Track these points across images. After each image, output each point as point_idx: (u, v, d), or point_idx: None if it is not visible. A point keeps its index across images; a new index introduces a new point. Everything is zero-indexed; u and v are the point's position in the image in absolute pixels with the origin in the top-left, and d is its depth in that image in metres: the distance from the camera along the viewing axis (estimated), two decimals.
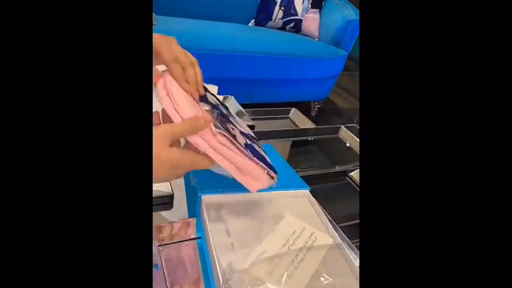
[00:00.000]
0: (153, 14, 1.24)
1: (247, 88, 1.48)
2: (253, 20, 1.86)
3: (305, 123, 0.88)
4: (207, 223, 0.40)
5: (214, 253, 0.37)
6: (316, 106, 1.81)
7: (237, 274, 0.33)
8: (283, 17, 1.74)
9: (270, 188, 0.48)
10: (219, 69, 1.32)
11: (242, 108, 0.83)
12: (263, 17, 1.78)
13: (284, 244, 0.40)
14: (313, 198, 0.49)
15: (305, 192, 0.50)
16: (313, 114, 1.81)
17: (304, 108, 0.94)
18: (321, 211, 0.46)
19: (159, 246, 0.39)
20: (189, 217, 0.47)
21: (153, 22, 1.23)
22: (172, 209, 0.49)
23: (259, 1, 1.76)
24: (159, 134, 0.32)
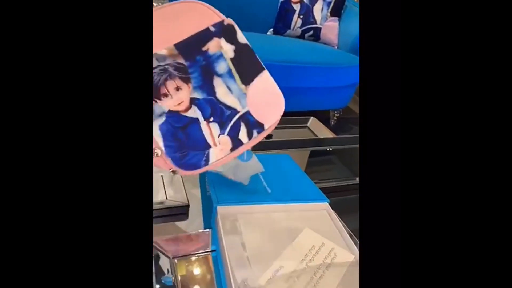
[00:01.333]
0: None
1: None
2: (271, 29, 1.86)
3: (324, 132, 0.86)
4: (222, 235, 0.39)
5: (229, 268, 0.35)
6: (335, 115, 1.78)
7: None
8: (302, 25, 1.73)
9: (288, 200, 0.46)
10: None
11: None
12: (281, 26, 1.78)
13: (302, 260, 0.38)
14: (333, 211, 0.47)
15: (325, 205, 0.48)
16: (332, 123, 1.77)
17: (323, 117, 0.92)
18: (341, 225, 0.44)
19: (173, 258, 0.38)
20: (205, 228, 0.46)
21: None
22: (187, 220, 0.48)
23: (277, 10, 1.76)
24: None
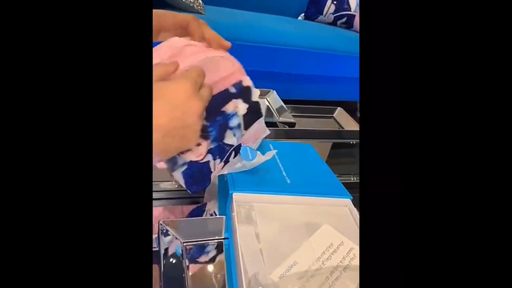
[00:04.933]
0: (202, 3, 1.24)
1: (292, 83, 1.43)
2: (302, 14, 1.79)
3: (350, 124, 0.82)
4: (236, 224, 0.38)
5: (241, 259, 0.34)
6: None
7: None
8: (335, 11, 1.65)
9: (307, 193, 0.44)
10: (263, 62, 1.29)
11: (283, 104, 0.79)
12: (313, 11, 1.71)
13: (318, 258, 0.35)
14: (355, 209, 0.44)
15: (347, 201, 0.45)
16: (359, 114, 1.71)
17: (351, 108, 0.87)
18: None
19: (184, 243, 0.37)
20: (219, 215, 0.44)
21: (202, 12, 1.23)
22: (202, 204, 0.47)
23: None
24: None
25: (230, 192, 0.41)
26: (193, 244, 0.38)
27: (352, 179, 0.65)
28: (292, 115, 0.77)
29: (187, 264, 0.36)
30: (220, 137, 0.40)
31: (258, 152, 0.43)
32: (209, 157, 0.40)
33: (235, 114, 0.40)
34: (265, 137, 0.53)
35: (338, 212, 0.43)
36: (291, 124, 0.73)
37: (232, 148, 0.42)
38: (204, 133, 0.38)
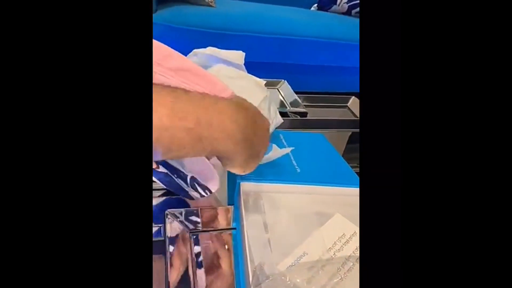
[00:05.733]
0: None
1: (305, 75, 1.40)
2: (315, 5, 1.75)
3: None
4: (244, 213, 0.36)
5: (248, 249, 0.32)
6: None
7: (270, 278, 0.29)
8: (349, 0, 1.60)
9: (318, 182, 0.42)
10: (277, 53, 1.27)
11: (295, 94, 0.77)
12: (327, 1, 1.67)
13: (329, 248, 0.34)
14: None
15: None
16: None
17: None
18: None
19: (190, 232, 0.36)
20: (228, 204, 0.43)
21: (212, 4, 1.21)
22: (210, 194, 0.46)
23: None
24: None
25: (238, 181, 0.40)
26: (200, 234, 0.37)
27: None
28: (305, 105, 0.75)
29: (193, 254, 0.35)
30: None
31: (274, 145, 0.42)
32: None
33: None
34: (277, 127, 0.52)
35: (351, 202, 0.41)
36: (303, 114, 0.71)
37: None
38: None
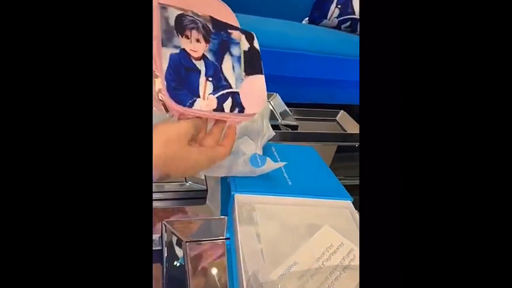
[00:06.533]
0: None
1: (296, 87, 1.44)
2: (306, 18, 1.80)
3: (353, 127, 0.82)
4: (238, 224, 0.38)
5: (241, 258, 0.34)
6: None
7: (263, 286, 0.31)
8: (339, 15, 1.66)
9: (308, 195, 0.44)
10: (267, 66, 1.29)
11: (286, 107, 0.80)
12: (317, 15, 1.72)
13: (318, 258, 0.36)
14: (355, 211, 0.44)
15: (347, 203, 0.46)
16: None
17: (354, 111, 0.88)
18: None
19: (186, 242, 0.38)
20: (221, 215, 0.45)
21: None
22: (205, 205, 0.48)
23: None
24: (179, 132, 0.34)
25: (232, 193, 0.42)
26: (196, 244, 0.39)
27: (355, 182, 0.65)
28: (295, 118, 0.78)
29: (189, 263, 0.37)
30: (219, 54, 0.39)
31: (268, 159, 0.44)
32: (202, 66, 0.38)
33: (238, 43, 0.41)
34: (269, 140, 0.54)
35: (339, 214, 0.43)
36: (294, 127, 0.74)
37: (229, 90, 0.40)
38: (206, 34, 0.38)
